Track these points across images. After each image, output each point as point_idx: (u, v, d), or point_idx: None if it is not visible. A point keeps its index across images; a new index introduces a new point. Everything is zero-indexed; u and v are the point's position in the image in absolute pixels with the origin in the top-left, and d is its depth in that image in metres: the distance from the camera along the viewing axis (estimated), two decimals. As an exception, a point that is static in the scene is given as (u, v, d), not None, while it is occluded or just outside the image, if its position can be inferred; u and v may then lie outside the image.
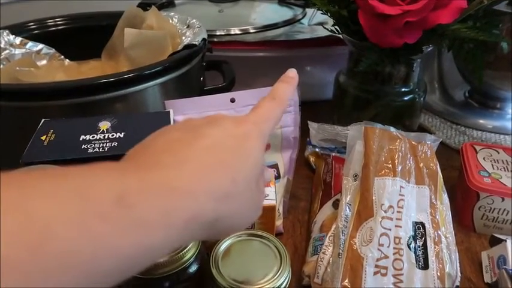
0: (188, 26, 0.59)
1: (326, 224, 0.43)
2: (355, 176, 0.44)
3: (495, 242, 0.43)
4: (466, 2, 0.44)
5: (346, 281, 0.35)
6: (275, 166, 0.47)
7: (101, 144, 0.33)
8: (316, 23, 0.74)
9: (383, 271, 0.36)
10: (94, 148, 0.33)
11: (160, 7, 0.73)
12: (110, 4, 0.65)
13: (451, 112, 0.69)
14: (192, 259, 0.33)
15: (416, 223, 0.40)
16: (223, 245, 0.35)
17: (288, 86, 0.30)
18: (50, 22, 0.63)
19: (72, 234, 0.16)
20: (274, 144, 0.47)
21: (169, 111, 0.39)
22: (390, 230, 0.38)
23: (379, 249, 0.37)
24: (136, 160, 0.22)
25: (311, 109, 0.56)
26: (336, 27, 0.55)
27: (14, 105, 0.43)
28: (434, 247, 0.38)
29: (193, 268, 0.34)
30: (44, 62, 0.60)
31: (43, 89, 0.43)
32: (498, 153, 0.51)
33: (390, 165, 0.44)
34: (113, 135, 0.34)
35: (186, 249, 0.32)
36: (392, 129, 0.49)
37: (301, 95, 0.45)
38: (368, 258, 0.36)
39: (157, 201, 0.19)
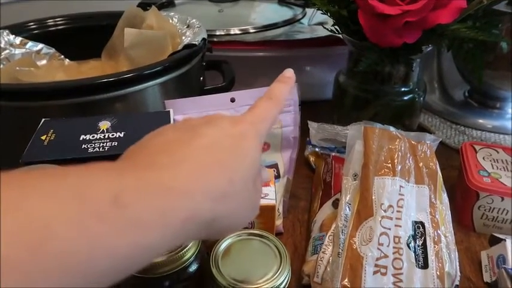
0: (188, 26, 0.59)
1: (326, 223, 0.43)
2: (355, 175, 0.44)
3: (494, 241, 0.43)
4: (465, 2, 0.44)
5: (346, 280, 0.35)
6: (275, 166, 0.48)
7: (101, 144, 0.33)
8: (316, 23, 0.74)
9: (383, 270, 0.36)
10: (94, 148, 0.33)
11: (160, 7, 0.73)
12: (109, 4, 0.65)
13: (450, 112, 0.69)
14: (192, 258, 0.33)
15: (416, 222, 0.40)
16: (223, 245, 0.35)
17: (284, 85, 0.30)
18: (50, 22, 0.63)
19: (70, 234, 0.16)
20: (274, 144, 0.47)
21: (169, 111, 0.39)
22: (390, 229, 0.38)
23: (378, 249, 0.37)
24: (134, 160, 0.22)
25: (311, 109, 0.56)
26: (336, 27, 0.55)
27: (14, 105, 0.43)
28: (434, 246, 0.38)
29: (193, 267, 0.34)
30: (44, 61, 0.60)
31: (43, 88, 0.43)
32: (498, 152, 0.51)
33: (390, 165, 0.44)
34: (113, 135, 0.34)
35: (186, 248, 0.32)
36: (392, 128, 0.49)
37: (301, 94, 0.45)
38: (368, 258, 0.36)
39: (154, 201, 0.19)
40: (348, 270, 0.36)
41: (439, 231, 0.39)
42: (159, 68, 0.46)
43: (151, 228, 0.19)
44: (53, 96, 0.42)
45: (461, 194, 0.48)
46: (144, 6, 0.61)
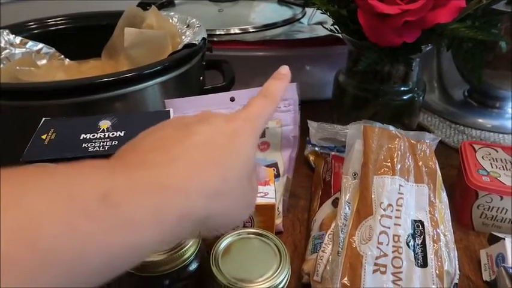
0: (188, 26, 0.59)
1: (325, 222, 0.44)
2: (355, 174, 0.44)
3: (494, 240, 0.43)
4: (464, 2, 0.44)
5: (346, 279, 0.36)
6: (275, 165, 0.48)
7: (101, 143, 0.33)
8: (316, 22, 0.74)
9: (382, 269, 0.36)
10: (94, 147, 0.33)
11: (160, 7, 0.73)
12: (109, 4, 0.65)
13: (450, 111, 0.69)
14: (192, 257, 0.33)
15: (415, 221, 0.40)
16: (223, 243, 0.35)
17: (280, 83, 0.29)
18: (50, 22, 0.63)
19: (59, 232, 0.16)
20: (274, 143, 0.47)
21: (169, 111, 0.39)
22: (389, 228, 0.38)
23: (378, 248, 0.37)
24: (125, 158, 0.22)
25: (311, 108, 0.56)
26: (336, 26, 0.55)
27: (14, 104, 0.43)
28: (433, 245, 0.38)
29: (193, 266, 0.34)
30: (44, 61, 0.60)
31: (43, 88, 0.43)
32: (497, 152, 0.51)
33: (389, 164, 0.44)
34: (113, 134, 0.35)
35: (186, 247, 0.33)
36: (391, 128, 0.49)
37: (300, 94, 0.45)
38: (367, 256, 0.37)
39: (146, 200, 0.19)
40: (347, 268, 0.36)
41: (438, 230, 0.40)
42: (159, 67, 0.46)
43: (144, 226, 0.19)
44: (53, 95, 0.43)
45: (461, 193, 0.49)
46: (144, 6, 0.61)
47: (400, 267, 0.36)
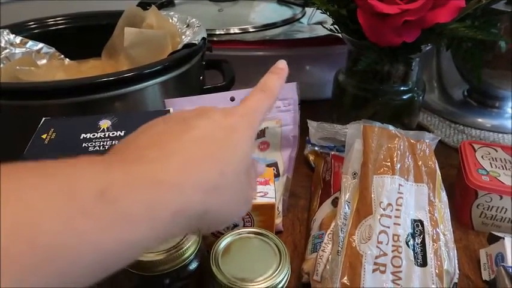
0: (188, 25, 0.59)
1: (325, 221, 0.44)
2: (354, 174, 0.44)
3: (493, 239, 0.43)
4: (464, 1, 0.44)
5: (345, 278, 0.36)
6: (274, 164, 0.48)
7: (102, 143, 0.33)
8: (316, 22, 0.74)
9: (382, 268, 0.36)
10: (95, 147, 0.33)
11: (160, 6, 0.73)
12: (109, 4, 0.65)
13: (449, 111, 0.69)
14: (192, 256, 0.33)
15: (415, 221, 0.40)
16: (223, 243, 0.35)
17: (277, 77, 0.29)
18: (50, 21, 0.63)
19: (56, 229, 0.16)
20: (274, 143, 0.47)
21: (169, 110, 0.39)
22: (389, 227, 0.39)
23: (377, 247, 0.37)
24: (122, 153, 0.22)
25: (310, 108, 0.56)
26: (335, 26, 0.55)
27: (14, 104, 0.43)
28: (433, 244, 0.38)
29: (193, 265, 0.34)
30: (44, 61, 0.60)
31: (43, 88, 0.43)
32: (496, 151, 0.51)
33: (389, 164, 0.44)
34: (113, 134, 0.35)
35: (186, 246, 0.33)
36: (391, 127, 0.49)
37: (300, 94, 0.45)
38: (367, 256, 0.37)
39: (141, 195, 0.19)
40: (347, 268, 0.36)
41: (437, 230, 0.40)
42: (159, 67, 0.46)
43: (139, 222, 0.19)
44: (53, 95, 0.43)
45: (460, 192, 0.49)
46: (144, 6, 0.61)
47: (399, 267, 0.36)
